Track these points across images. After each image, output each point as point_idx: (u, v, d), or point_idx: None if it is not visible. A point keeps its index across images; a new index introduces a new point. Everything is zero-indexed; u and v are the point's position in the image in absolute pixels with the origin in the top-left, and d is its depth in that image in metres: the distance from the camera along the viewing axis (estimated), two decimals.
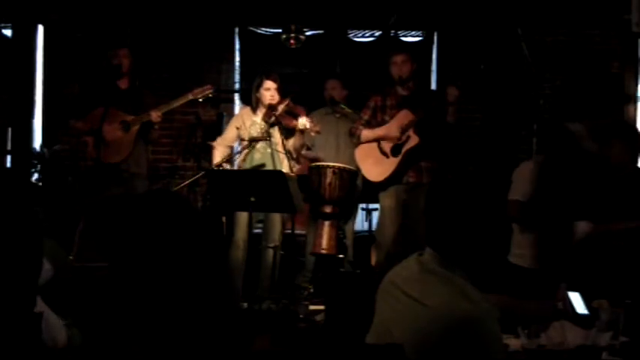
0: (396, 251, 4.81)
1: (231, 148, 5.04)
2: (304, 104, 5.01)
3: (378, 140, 4.86)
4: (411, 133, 4.74)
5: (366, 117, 4.94)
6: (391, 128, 4.78)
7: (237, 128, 4.91)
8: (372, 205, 5.68)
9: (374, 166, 4.86)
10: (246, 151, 4.82)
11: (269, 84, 4.80)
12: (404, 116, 4.77)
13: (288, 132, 4.82)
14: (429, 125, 4.74)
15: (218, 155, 4.93)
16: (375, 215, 5.59)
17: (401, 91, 4.88)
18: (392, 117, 4.83)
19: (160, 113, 4.78)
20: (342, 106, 5.57)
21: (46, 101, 6.42)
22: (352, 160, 5.21)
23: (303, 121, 4.68)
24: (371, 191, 5.03)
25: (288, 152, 4.80)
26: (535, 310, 2.65)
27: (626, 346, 2.39)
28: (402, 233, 4.85)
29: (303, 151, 5.13)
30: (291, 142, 4.86)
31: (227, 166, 4.83)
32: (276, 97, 4.77)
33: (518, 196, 3.95)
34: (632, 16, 4.85)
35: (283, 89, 4.83)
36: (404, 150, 4.76)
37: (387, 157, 4.81)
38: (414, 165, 4.79)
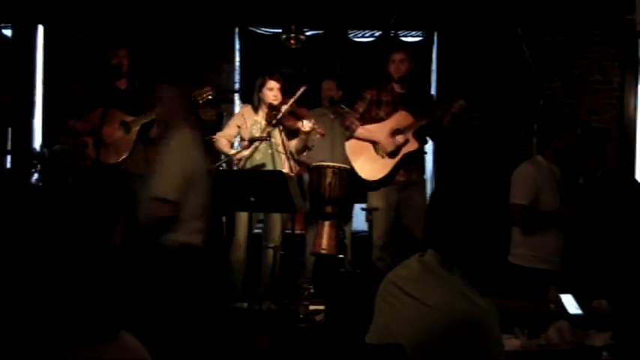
0: (389, 251, 4.85)
1: (231, 144, 5.04)
2: (303, 104, 5.00)
3: (372, 142, 4.87)
4: (410, 136, 4.76)
5: (361, 109, 4.94)
6: (386, 137, 4.78)
7: (239, 127, 4.90)
8: None
9: (367, 163, 4.87)
10: (246, 151, 4.82)
11: (272, 84, 4.79)
12: (402, 118, 4.78)
13: (290, 133, 4.81)
14: (428, 131, 4.79)
15: (225, 145, 4.92)
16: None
17: (397, 89, 4.90)
18: (387, 114, 4.85)
19: None
20: (342, 106, 5.58)
21: (46, 101, 6.42)
22: (347, 160, 5.22)
23: (309, 124, 4.67)
24: (365, 190, 5.03)
25: (289, 153, 4.80)
26: (528, 311, 2.67)
27: (620, 346, 2.41)
28: (396, 232, 4.88)
29: (304, 154, 5.11)
30: (293, 144, 4.85)
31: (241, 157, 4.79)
32: (279, 98, 4.77)
33: (520, 199, 3.95)
34: (635, 16, 4.86)
35: (285, 89, 4.83)
36: (402, 152, 4.77)
37: (383, 157, 4.83)
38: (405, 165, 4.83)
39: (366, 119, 4.90)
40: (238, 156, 4.87)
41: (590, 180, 4.35)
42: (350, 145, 4.96)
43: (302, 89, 4.71)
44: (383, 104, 4.89)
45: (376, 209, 4.88)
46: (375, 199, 4.86)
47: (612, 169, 4.57)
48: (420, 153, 4.85)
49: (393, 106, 4.85)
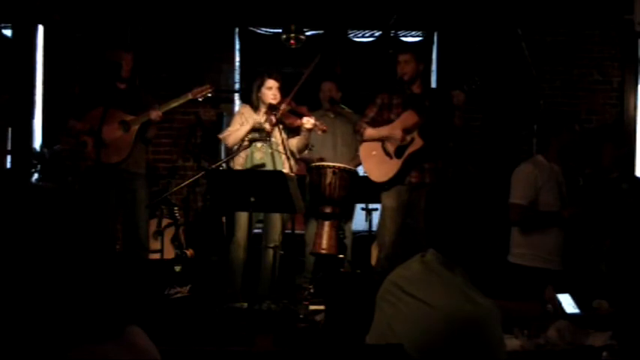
0: (397, 251, 4.81)
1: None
2: (303, 104, 5.00)
3: (381, 140, 4.84)
4: (415, 135, 4.72)
5: (371, 114, 4.89)
6: (395, 129, 4.76)
7: (240, 126, 4.90)
8: (372, 205, 5.67)
9: (377, 165, 4.84)
10: (246, 150, 4.81)
11: (271, 83, 4.78)
12: (409, 117, 4.75)
13: (291, 131, 4.80)
14: (433, 128, 4.73)
15: (233, 131, 4.85)
16: (375, 215, 5.59)
17: (407, 90, 4.86)
18: (397, 115, 4.81)
19: (160, 113, 4.78)
20: (342, 106, 5.57)
21: (46, 101, 6.42)
22: (349, 159, 5.20)
23: (311, 120, 4.66)
24: (371, 191, 5.01)
25: (290, 152, 4.80)
26: (524, 312, 2.67)
27: (620, 346, 2.41)
28: (402, 233, 4.84)
29: (305, 152, 5.09)
30: (294, 142, 4.84)
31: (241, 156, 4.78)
32: (278, 97, 4.76)
33: (519, 199, 3.95)
34: (634, 16, 4.86)
35: (284, 89, 4.82)
36: (407, 152, 4.74)
37: (391, 157, 4.79)
38: (416, 166, 4.78)
39: (377, 122, 4.86)
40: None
41: (604, 180, 4.27)
42: (362, 149, 4.92)
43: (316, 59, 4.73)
44: (394, 106, 4.84)
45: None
46: (389, 198, 4.83)
47: (629, 173, 4.46)
48: (428, 151, 4.75)
49: (404, 107, 4.78)
